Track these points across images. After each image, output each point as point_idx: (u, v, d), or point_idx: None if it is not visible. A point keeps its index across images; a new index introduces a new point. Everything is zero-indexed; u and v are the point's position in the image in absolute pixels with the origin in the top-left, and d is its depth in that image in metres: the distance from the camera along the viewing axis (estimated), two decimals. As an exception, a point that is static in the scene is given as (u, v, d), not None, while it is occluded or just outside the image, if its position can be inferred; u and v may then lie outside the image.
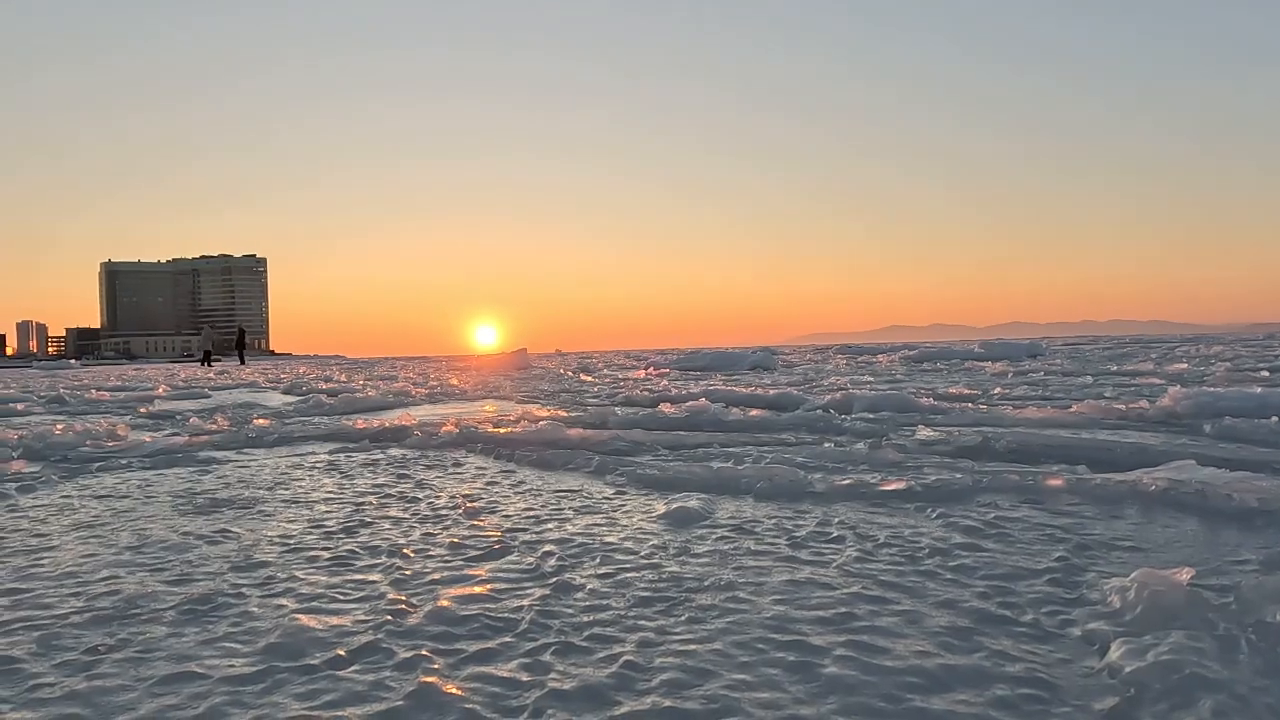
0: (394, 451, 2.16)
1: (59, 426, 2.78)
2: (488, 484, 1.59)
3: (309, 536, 1.15)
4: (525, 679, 0.64)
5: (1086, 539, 1.04)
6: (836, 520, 1.16)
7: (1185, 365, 5.52)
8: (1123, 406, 2.58)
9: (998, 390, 3.87)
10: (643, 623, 0.76)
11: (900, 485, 1.35)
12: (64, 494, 1.58)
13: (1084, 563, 0.93)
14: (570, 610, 0.80)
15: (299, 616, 0.77)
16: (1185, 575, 0.76)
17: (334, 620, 0.77)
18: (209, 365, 19.93)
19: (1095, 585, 0.84)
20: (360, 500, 1.44)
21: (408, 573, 0.95)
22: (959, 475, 1.43)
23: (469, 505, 1.37)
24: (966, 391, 3.71)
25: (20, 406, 4.69)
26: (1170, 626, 0.67)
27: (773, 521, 1.17)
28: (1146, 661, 0.61)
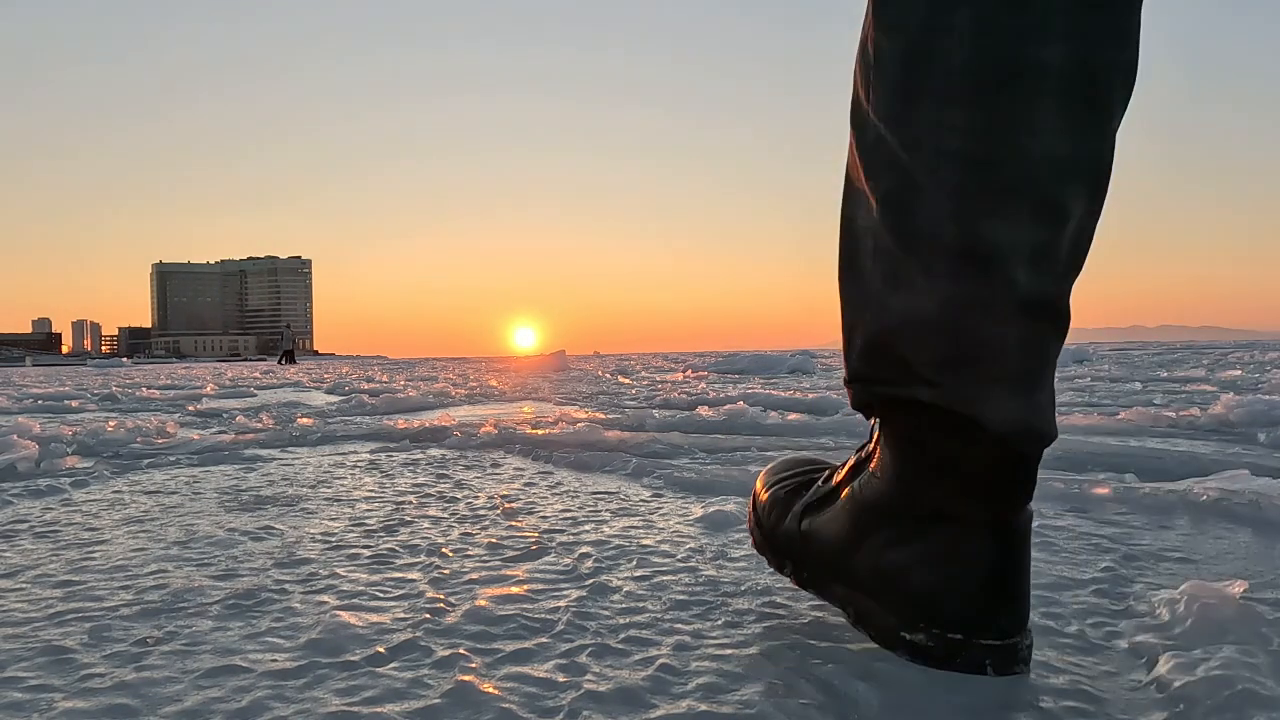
0: (434, 451, 2.18)
1: (111, 423, 2.85)
2: (525, 485, 1.60)
3: (350, 534, 1.17)
4: (561, 680, 0.64)
5: (1134, 549, 1.02)
6: (876, 526, 1.15)
7: (1239, 372, 5.37)
8: (1173, 414, 2.51)
9: (1042, 396, 3.79)
10: (679, 626, 0.76)
11: (941, 492, 1.33)
12: (115, 489, 1.62)
13: (1132, 573, 0.91)
14: (606, 612, 0.80)
15: (340, 613, 0.78)
16: (1238, 588, 0.74)
17: (374, 618, 0.78)
18: (294, 363, 20.61)
19: (1143, 597, 0.82)
20: (400, 499, 1.45)
21: (446, 572, 0.95)
22: (1002, 482, 1.41)
23: (507, 506, 1.37)
24: (1010, 397, 3.65)
25: (75, 403, 4.83)
26: (1221, 641, 0.65)
27: (811, 526, 1.16)
28: (1196, 676, 0.59)
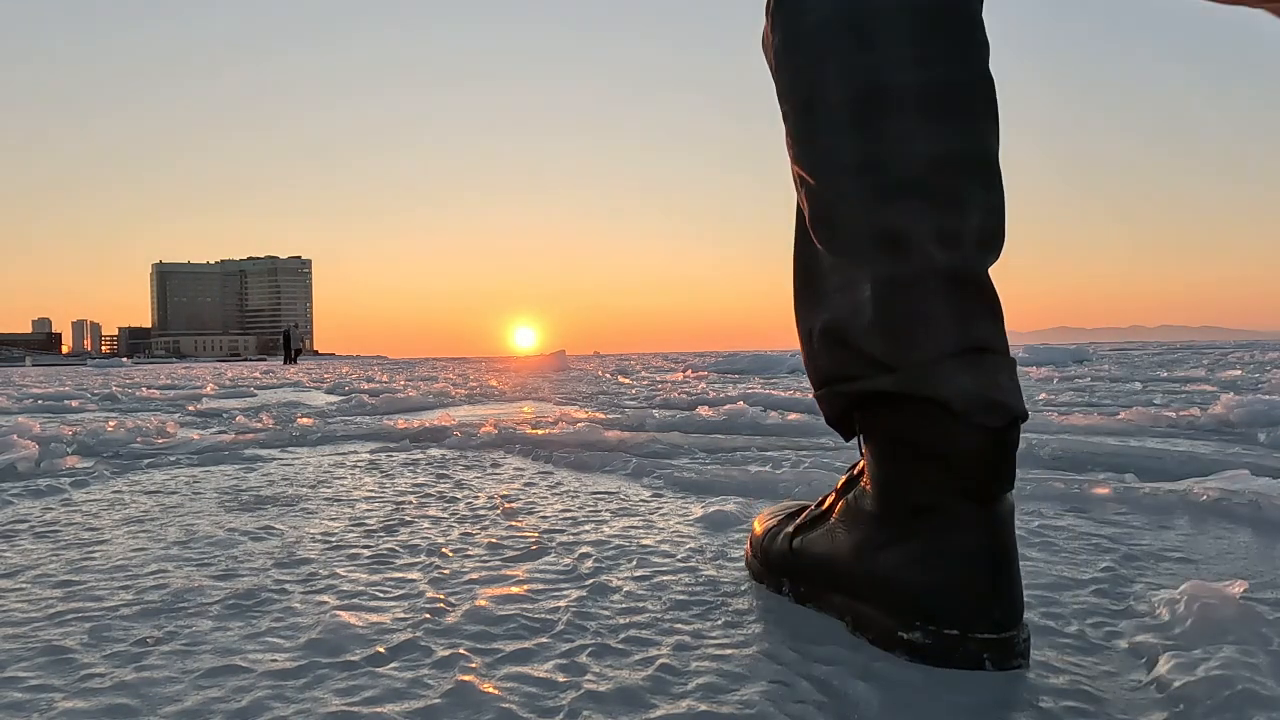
0: (434, 451, 2.18)
1: (111, 423, 2.85)
2: (525, 485, 1.60)
3: (350, 534, 1.17)
4: (561, 680, 0.64)
5: (1134, 549, 1.02)
6: (876, 526, 1.15)
7: (1239, 372, 5.37)
8: (1173, 414, 2.51)
9: (1043, 396, 3.80)
10: (679, 626, 0.76)
11: (941, 492, 1.33)
12: (115, 489, 1.62)
13: (1131, 573, 0.91)
14: (606, 612, 0.80)
15: (340, 613, 0.78)
16: (1237, 588, 0.74)
17: (374, 618, 0.78)
18: (295, 363, 20.81)
19: (1143, 597, 0.82)
20: (400, 499, 1.45)
21: (446, 572, 0.95)
22: (1002, 482, 1.41)
23: (507, 506, 1.37)
24: (1010, 397, 3.65)
25: (75, 403, 4.83)
26: (1221, 641, 0.65)
27: (811, 526, 1.16)
28: (1196, 676, 0.59)
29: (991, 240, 0.66)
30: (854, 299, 0.67)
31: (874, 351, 0.66)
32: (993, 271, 0.68)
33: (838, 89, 0.66)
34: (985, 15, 0.72)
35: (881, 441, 0.68)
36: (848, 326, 0.68)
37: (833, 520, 0.76)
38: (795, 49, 0.69)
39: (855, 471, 0.74)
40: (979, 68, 0.65)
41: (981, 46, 0.66)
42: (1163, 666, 0.62)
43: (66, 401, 4.91)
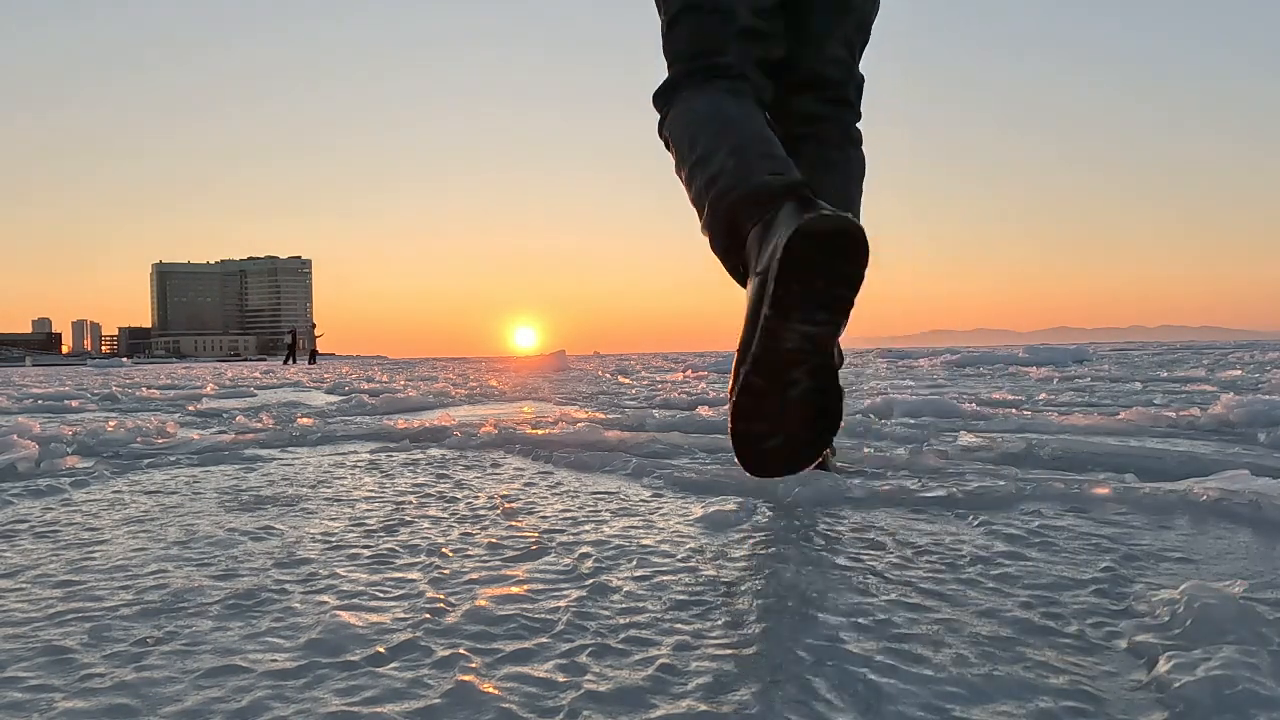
0: (434, 451, 2.18)
1: (111, 423, 2.85)
2: (525, 485, 1.60)
3: (350, 534, 1.17)
4: (561, 680, 0.64)
5: (1134, 549, 1.02)
6: (875, 526, 1.15)
7: (1239, 372, 5.37)
8: (1173, 414, 2.51)
9: (1043, 396, 3.80)
10: (679, 626, 0.76)
11: (941, 492, 1.33)
12: (115, 489, 1.62)
13: (1131, 573, 0.91)
14: (607, 612, 0.80)
15: (340, 613, 0.78)
16: (1238, 588, 0.74)
17: (374, 618, 0.78)
18: (295, 362, 20.84)
19: (1143, 597, 0.82)
20: (400, 499, 1.45)
21: (446, 572, 0.95)
22: (1002, 482, 1.41)
23: (507, 506, 1.37)
24: (1010, 397, 3.65)
25: (75, 403, 4.82)
26: (1221, 641, 0.65)
27: (810, 527, 1.16)
28: (1196, 676, 0.59)
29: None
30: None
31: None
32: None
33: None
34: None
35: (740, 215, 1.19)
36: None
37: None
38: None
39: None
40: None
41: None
42: (1163, 667, 0.62)
43: (66, 401, 4.91)
